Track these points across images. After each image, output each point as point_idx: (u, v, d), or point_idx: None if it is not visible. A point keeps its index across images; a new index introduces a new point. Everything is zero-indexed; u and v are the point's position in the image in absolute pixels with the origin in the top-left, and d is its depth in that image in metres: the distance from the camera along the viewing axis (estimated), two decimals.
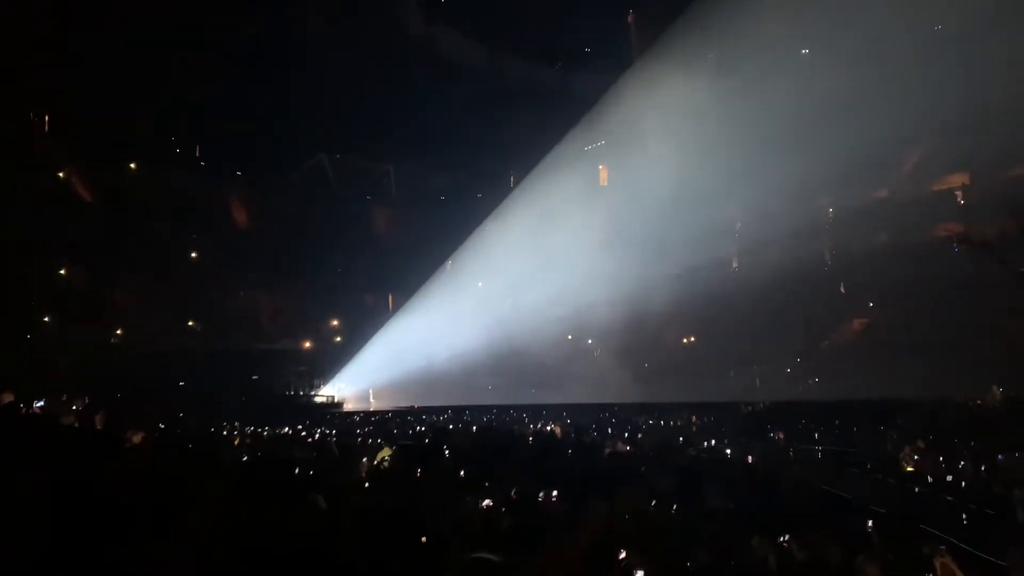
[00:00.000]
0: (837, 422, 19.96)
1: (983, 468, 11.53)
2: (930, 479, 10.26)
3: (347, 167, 39.90)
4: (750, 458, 12.63)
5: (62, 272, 31.86)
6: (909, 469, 11.49)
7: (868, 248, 28.92)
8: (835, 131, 25.13)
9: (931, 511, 6.43)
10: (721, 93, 27.81)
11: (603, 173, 37.19)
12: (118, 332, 34.02)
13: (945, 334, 24.24)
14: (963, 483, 10.47)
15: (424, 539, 4.37)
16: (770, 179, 27.76)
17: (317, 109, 34.15)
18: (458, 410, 29.08)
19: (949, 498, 9.29)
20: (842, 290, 31.48)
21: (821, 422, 20.03)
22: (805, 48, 29.28)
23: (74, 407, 13.68)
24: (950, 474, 11.16)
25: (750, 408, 24.90)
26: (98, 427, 9.70)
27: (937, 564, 5.01)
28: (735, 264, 34.25)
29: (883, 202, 29.10)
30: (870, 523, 6.10)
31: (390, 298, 40.53)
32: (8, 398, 8.26)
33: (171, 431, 15.46)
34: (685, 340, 36.33)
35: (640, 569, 3.59)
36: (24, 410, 8.64)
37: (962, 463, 11.94)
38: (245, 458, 11.12)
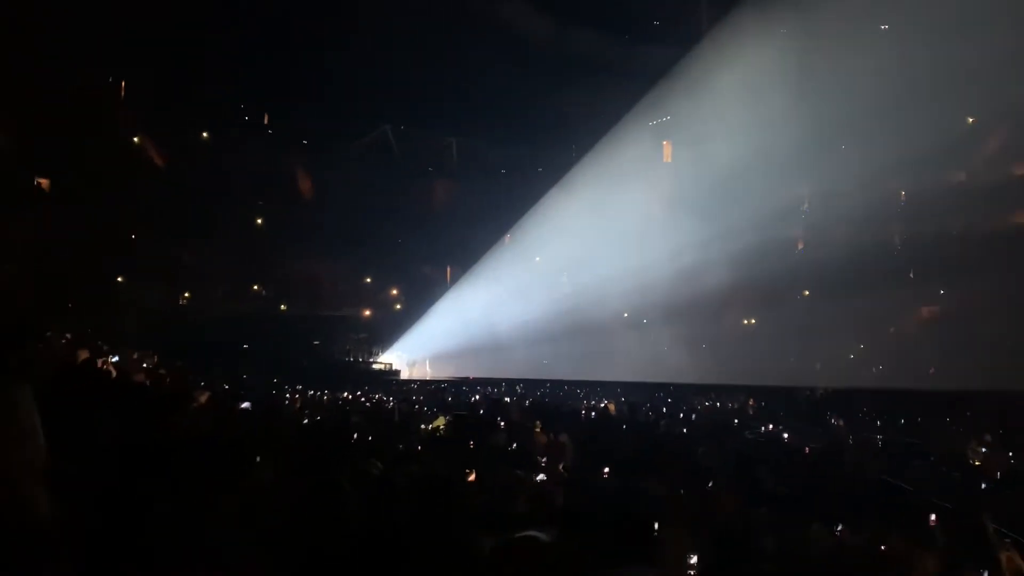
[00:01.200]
0: (900, 411, 19.48)
1: None
2: (999, 475, 9.93)
3: (410, 139, 40.17)
4: (808, 444, 12.41)
5: (133, 236, 33.02)
6: (976, 463, 11.14)
7: (941, 234, 27.87)
8: (912, 110, 24.17)
9: (997, 507, 6.23)
10: (793, 69, 26.96)
11: (667, 149, 36.55)
12: (186, 295, 35.17)
13: (1019, 326, 23.29)
14: None
15: (475, 512, 4.42)
16: (841, 159, 26.90)
17: (382, 81, 34.37)
18: (512, 383, 29.26)
19: (1017, 494, 8.98)
20: (911, 276, 30.47)
21: (884, 411, 19.57)
22: (884, 23, 28.14)
23: (144, 365, 14.24)
24: (1019, 469, 10.80)
25: (810, 393, 24.45)
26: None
27: (1003, 559, 4.86)
28: (800, 245, 33.44)
29: (959, 186, 27.93)
30: (933, 516, 5.94)
31: (448, 270, 40.88)
32: (84, 355, 8.63)
33: (235, 392, 15.94)
34: (745, 321, 35.75)
35: (693, 552, 3.57)
36: (102, 364, 9.01)
37: None
38: (305, 421, 11.42)
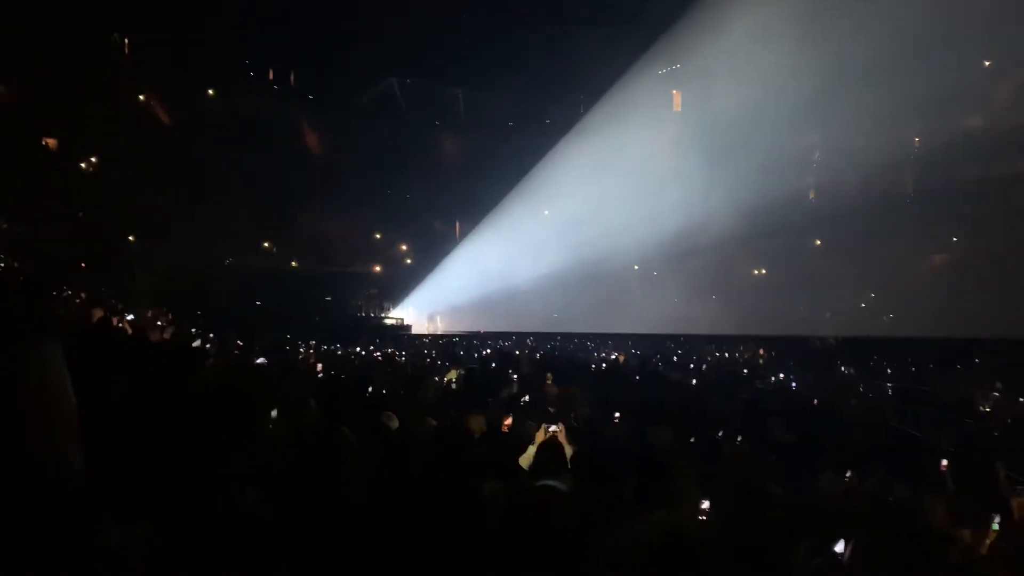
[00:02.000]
0: (911, 359, 19.48)
1: None
2: (1009, 421, 9.97)
3: (417, 92, 39.76)
4: (818, 393, 12.46)
5: (143, 195, 33.01)
6: (986, 410, 11.18)
7: (955, 181, 27.52)
8: (926, 56, 23.68)
9: (1008, 453, 6.26)
10: (804, 15, 26.39)
11: (676, 98, 36.05)
12: (197, 253, 35.22)
13: None
14: None
15: (491, 463, 4.49)
16: (853, 106, 26.45)
17: (388, 34, 33.89)
18: (522, 336, 29.35)
19: None
20: (923, 224, 30.22)
21: (894, 359, 19.58)
22: None
23: (158, 323, 14.36)
24: None
25: (820, 342, 24.45)
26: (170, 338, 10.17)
27: (1015, 504, 4.90)
28: (812, 195, 33.15)
29: (974, 132, 27.48)
30: (943, 463, 5.98)
31: (457, 224, 40.77)
32: (98, 313, 8.71)
33: (248, 348, 16.05)
34: (756, 271, 35.66)
35: (705, 499, 3.62)
36: (117, 323, 9.09)
37: None
38: (320, 375, 11.50)
